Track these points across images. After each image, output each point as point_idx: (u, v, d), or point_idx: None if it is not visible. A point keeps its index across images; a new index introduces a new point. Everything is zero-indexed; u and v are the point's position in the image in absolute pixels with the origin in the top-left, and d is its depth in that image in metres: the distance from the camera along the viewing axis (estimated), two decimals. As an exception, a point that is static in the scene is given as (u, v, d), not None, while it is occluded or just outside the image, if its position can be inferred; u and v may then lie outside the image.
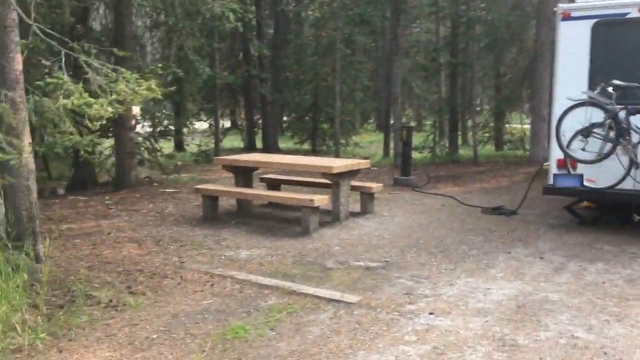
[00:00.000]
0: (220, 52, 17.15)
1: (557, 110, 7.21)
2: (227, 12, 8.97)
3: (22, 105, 4.84)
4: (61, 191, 10.06)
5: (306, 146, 20.01)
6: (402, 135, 11.29)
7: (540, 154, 13.30)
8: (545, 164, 7.64)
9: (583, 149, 6.82)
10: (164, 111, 15.31)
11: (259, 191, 8.21)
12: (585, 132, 6.83)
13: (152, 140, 12.85)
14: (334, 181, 7.60)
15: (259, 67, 18.76)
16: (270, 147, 18.28)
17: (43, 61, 4.58)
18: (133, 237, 7.03)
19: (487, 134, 18.09)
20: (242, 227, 7.52)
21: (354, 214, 8.08)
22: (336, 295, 5.03)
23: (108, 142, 12.10)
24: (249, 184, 8.59)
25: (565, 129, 6.91)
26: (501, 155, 16.50)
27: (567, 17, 7.31)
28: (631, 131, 6.69)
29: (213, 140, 16.94)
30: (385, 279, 5.51)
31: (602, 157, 6.75)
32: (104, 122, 11.42)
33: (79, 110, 4.12)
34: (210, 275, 5.60)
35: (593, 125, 6.79)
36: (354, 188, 8.09)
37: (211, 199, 7.94)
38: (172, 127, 14.72)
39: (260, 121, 20.39)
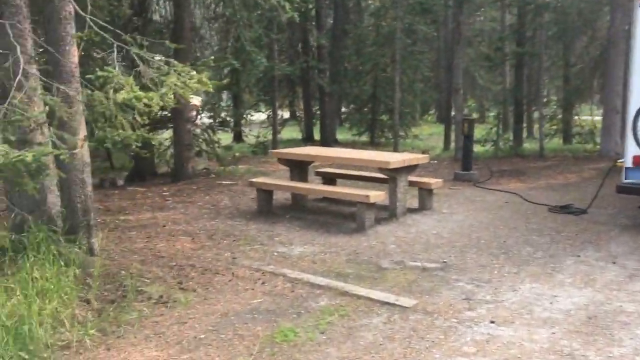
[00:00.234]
0: (279, 43, 17.09)
1: (633, 103, 6.69)
2: (283, 1, 8.82)
3: (78, 98, 4.84)
4: (120, 182, 10.22)
5: (364, 138, 19.73)
6: (463, 127, 10.86)
7: (613, 148, 12.55)
8: (619, 160, 7.10)
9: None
10: (221, 103, 15.39)
11: (313, 186, 8.05)
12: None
13: (210, 131, 12.90)
14: (390, 176, 7.34)
15: (318, 57, 18.57)
16: (328, 139, 18.09)
17: (95, 54, 4.54)
18: (187, 230, 7.01)
19: (554, 127, 17.26)
20: (296, 222, 7.38)
21: (411, 211, 7.80)
22: (391, 298, 4.80)
23: (167, 134, 12.25)
24: (304, 178, 8.44)
25: (642, 123, 6.41)
26: (569, 149, 15.70)
27: (645, 2, 6.75)
28: None
29: (271, 132, 16.91)
30: (443, 281, 5.24)
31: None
32: (166, 113, 11.62)
33: (130, 104, 4.04)
34: (262, 273, 5.48)
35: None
36: (412, 183, 7.80)
37: (265, 193, 7.84)
38: (229, 119, 14.73)
39: (318, 112, 20.23)
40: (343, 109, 24.86)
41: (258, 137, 17.37)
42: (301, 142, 18.92)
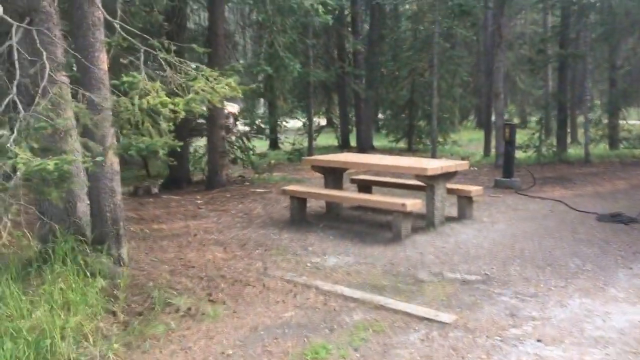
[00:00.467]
0: (314, 49, 16.95)
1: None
2: (317, 4, 8.63)
3: (105, 105, 4.74)
4: (155, 190, 10.18)
5: (402, 144, 19.40)
6: (505, 133, 10.47)
7: (664, 153, 11.96)
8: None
9: None
10: (256, 111, 15.32)
11: (347, 194, 7.81)
12: None
13: (245, 138, 12.81)
14: (428, 184, 7.06)
15: (354, 63, 18.35)
16: (364, 145, 17.84)
17: (122, 60, 4.43)
18: (219, 240, 6.87)
19: (599, 132, 16.60)
20: (330, 231, 7.16)
21: (450, 219, 7.49)
22: (429, 313, 4.53)
23: (203, 141, 12.21)
24: (338, 185, 8.22)
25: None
26: (616, 154, 15.07)
27: None
28: None
29: (307, 139, 16.75)
30: (484, 295, 4.93)
31: None
32: (201, 120, 11.56)
33: (156, 110, 3.90)
34: (294, 284, 5.28)
35: None
36: (450, 191, 7.50)
37: (299, 201, 7.65)
38: (262, 126, 14.62)
39: (354, 119, 19.99)
40: (380, 115, 24.55)
41: (294, 144, 17.24)
42: (337, 149, 18.71)
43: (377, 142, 20.21)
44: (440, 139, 18.34)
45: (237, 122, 13.55)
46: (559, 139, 15.70)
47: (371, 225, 7.42)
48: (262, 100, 18.44)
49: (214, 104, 4.34)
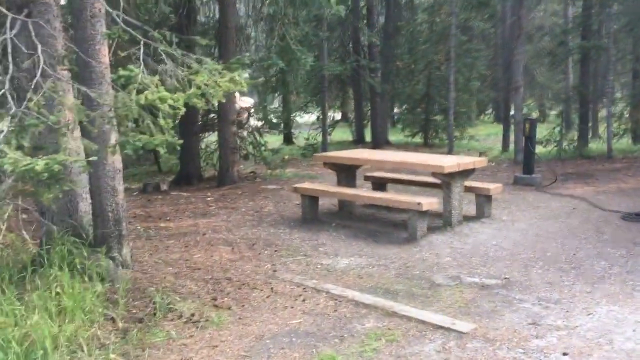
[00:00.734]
0: (329, 42, 16.64)
1: None
2: (328, -6, 8.36)
3: (109, 101, 4.51)
4: (164, 187, 9.98)
5: (418, 139, 19.04)
6: (525, 128, 10.11)
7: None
8: None
9: None
10: (269, 105, 15.08)
11: (360, 192, 7.53)
12: None
13: (257, 133, 12.58)
14: (445, 181, 6.76)
15: (369, 56, 18.00)
16: (379, 140, 17.51)
17: (120, 52, 4.19)
18: (227, 239, 6.64)
19: (622, 126, 16.09)
20: (342, 230, 6.90)
21: (468, 219, 7.18)
22: (446, 321, 4.25)
23: (214, 136, 11.99)
24: (351, 183, 7.95)
25: None
26: (640, 149, 14.62)
27: None
28: None
29: (321, 133, 16.48)
30: (505, 301, 4.64)
31: None
32: (213, 115, 11.34)
33: (154, 105, 3.67)
34: (303, 288, 5.03)
35: None
36: (468, 189, 7.19)
37: (310, 199, 7.39)
38: (275, 120, 14.37)
39: (369, 113, 19.65)
40: (395, 110, 24.18)
41: (308, 139, 16.98)
42: (352, 144, 18.40)
43: (393, 137, 19.87)
44: (457, 134, 17.97)
45: (251, 118, 13.33)
46: (581, 134, 15.26)
47: (385, 225, 7.15)
48: (277, 95, 18.18)
49: (217, 99, 4.07)
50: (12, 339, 3.40)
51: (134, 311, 4.44)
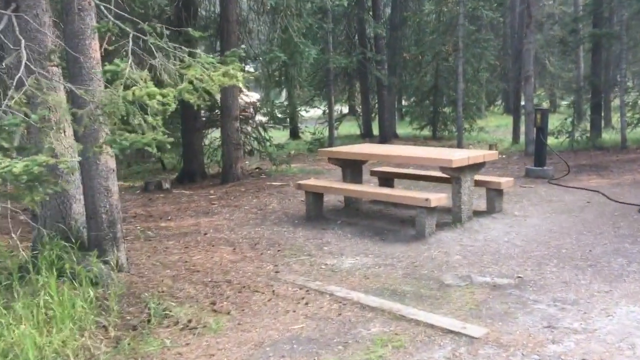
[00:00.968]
0: (334, 34, 16.36)
1: None
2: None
3: (96, 98, 4.30)
4: (167, 185, 9.78)
5: (426, 132, 18.75)
6: (536, 119, 9.82)
7: None
8: None
9: None
10: (275, 100, 14.85)
11: (366, 188, 7.29)
12: None
13: (261, 129, 12.35)
14: (454, 176, 6.51)
15: (375, 48, 17.70)
16: (387, 134, 17.23)
17: (107, 46, 3.98)
18: (229, 239, 6.43)
19: (636, 115, 15.72)
20: (348, 228, 6.67)
21: (478, 214, 6.93)
22: (456, 325, 4.02)
23: (218, 132, 11.78)
24: (357, 178, 7.71)
25: None
26: (654, 139, 14.25)
27: None
28: None
29: (328, 128, 16.23)
30: (518, 302, 4.40)
31: None
32: (216, 111, 11.13)
33: (142, 101, 3.45)
34: (306, 290, 4.81)
35: None
36: (478, 183, 6.93)
37: (315, 196, 7.17)
38: (280, 115, 14.14)
39: (377, 106, 19.37)
40: (403, 102, 23.87)
41: (314, 133, 16.74)
42: (359, 138, 18.15)
43: (401, 130, 19.58)
44: (467, 126, 17.67)
45: (257, 112, 13.10)
46: (593, 124, 14.91)
47: (392, 222, 6.91)
48: (282, 89, 17.95)
49: (212, 93, 3.85)
50: (-5, 351, 3.21)
51: (128, 318, 4.24)
